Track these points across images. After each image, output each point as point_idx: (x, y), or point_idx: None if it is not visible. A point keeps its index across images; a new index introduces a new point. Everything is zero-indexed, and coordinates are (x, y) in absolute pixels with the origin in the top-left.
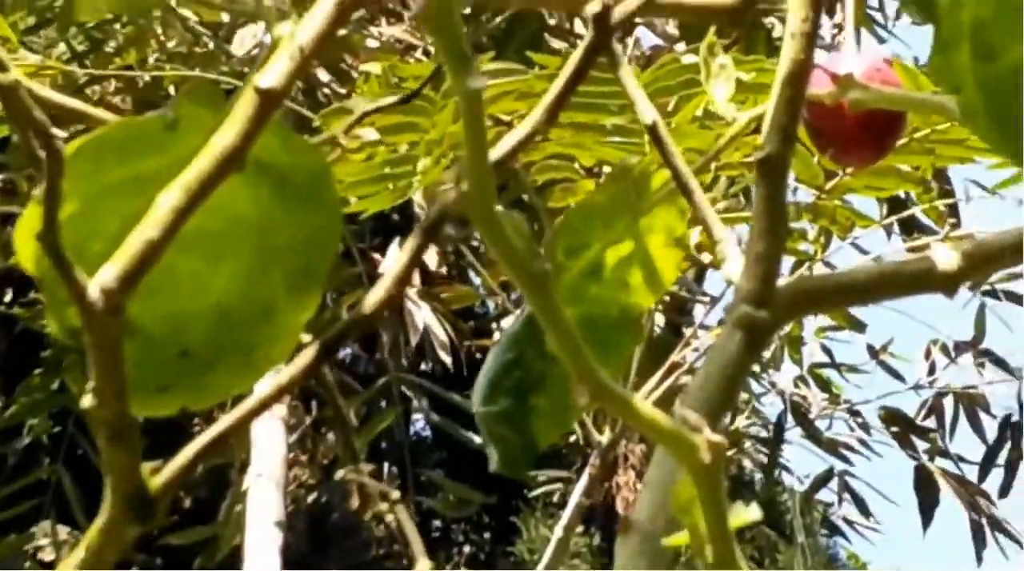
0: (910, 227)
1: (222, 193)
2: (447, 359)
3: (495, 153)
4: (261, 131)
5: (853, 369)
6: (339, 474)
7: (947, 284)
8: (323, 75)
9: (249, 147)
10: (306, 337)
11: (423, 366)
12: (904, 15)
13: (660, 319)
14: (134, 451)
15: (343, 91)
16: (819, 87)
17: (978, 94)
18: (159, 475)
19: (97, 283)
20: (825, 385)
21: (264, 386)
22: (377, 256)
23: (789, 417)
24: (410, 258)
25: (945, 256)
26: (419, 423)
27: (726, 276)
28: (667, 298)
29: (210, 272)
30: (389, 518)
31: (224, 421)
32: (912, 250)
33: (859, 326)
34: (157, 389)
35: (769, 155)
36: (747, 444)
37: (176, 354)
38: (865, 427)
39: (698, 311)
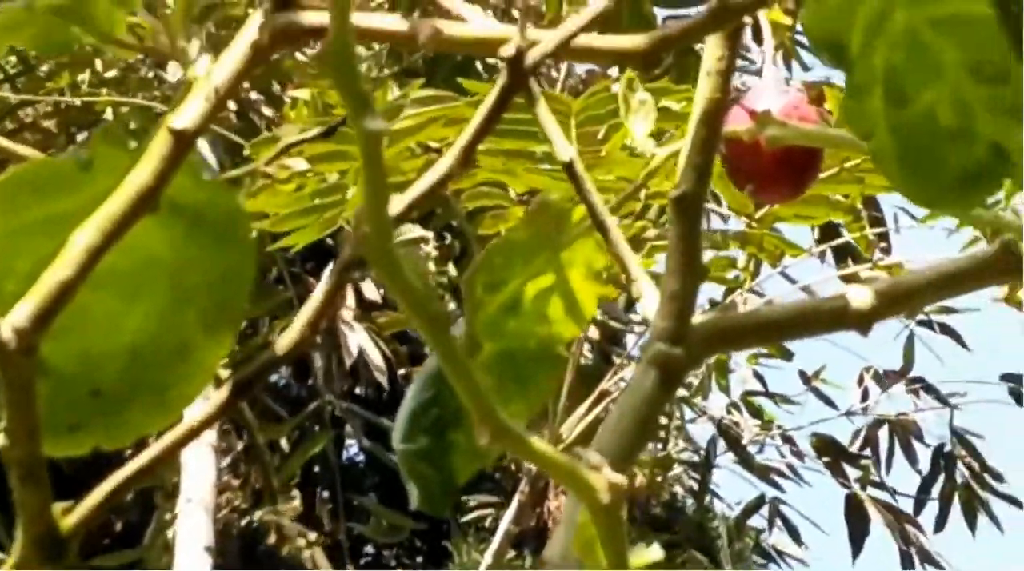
0: (843, 254)
1: (136, 232)
2: (383, 380)
3: (411, 193)
4: (175, 171)
5: (786, 400)
6: (258, 515)
7: (861, 322)
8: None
9: (163, 187)
10: (224, 372)
11: (357, 391)
12: None
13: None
14: (45, 491)
15: (275, 115)
16: (737, 124)
17: (890, 139)
18: (71, 515)
19: (9, 322)
20: (757, 412)
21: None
22: (311, 280)
23: (721, 443)
24: (323, 301)
25: (859, 295)
26: (353, 448)
27: (643, 313)
28: (598, 327)
29: (124, 311)
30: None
31: (131, 466)
32: (844, 278)
33: (787, 355)
34: (69, 428)
35: (684, 193)
36: (678, 470)
37: (89, 393)
38: (798, 454)
39: (630, 339)
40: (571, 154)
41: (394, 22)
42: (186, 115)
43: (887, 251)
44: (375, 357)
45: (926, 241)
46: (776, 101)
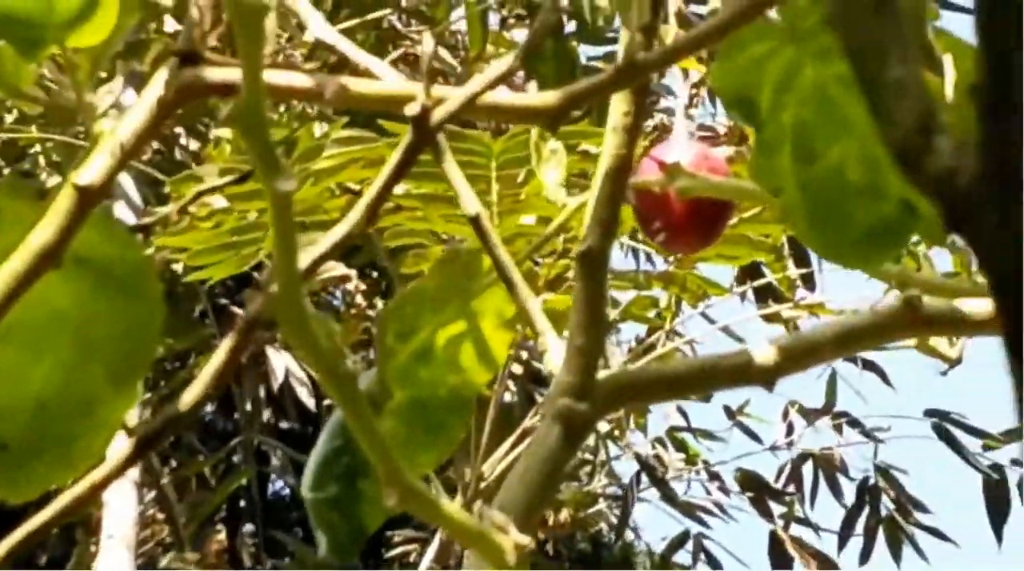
0: (765, 294)
1: (41, 287)
2: (311, 403)
3: (314, 251)
4: (79, 227)
5: (709, 435)
6: (164, 561)
7: (765, 378)
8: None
9: (66, 244)
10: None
11: (283, 425)
12: None
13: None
14: None
15: (199, 149)
16: (648, 175)
17: (799, 195)
18: None
19: None
20: (681, 446)
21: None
22: (238, 310)
23: (645, 478)
24: (226, 359)
25: (763, 351)
26: (280, 482)
27: (548, 368)
28: (522, 365)
29: (29, 365)
30: None
31: (51, 508)
32: (766, 318)
33: (707, 396)
34: None
35: (589, 249)
36: (604, 505)
37: None
38: (723, 489)
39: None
40: (477, 209)
41: (302, 79)
42: (91, 171)
43: (812, 290)
44: (302, 376)
45: (851, 280)
46: (686, 152)
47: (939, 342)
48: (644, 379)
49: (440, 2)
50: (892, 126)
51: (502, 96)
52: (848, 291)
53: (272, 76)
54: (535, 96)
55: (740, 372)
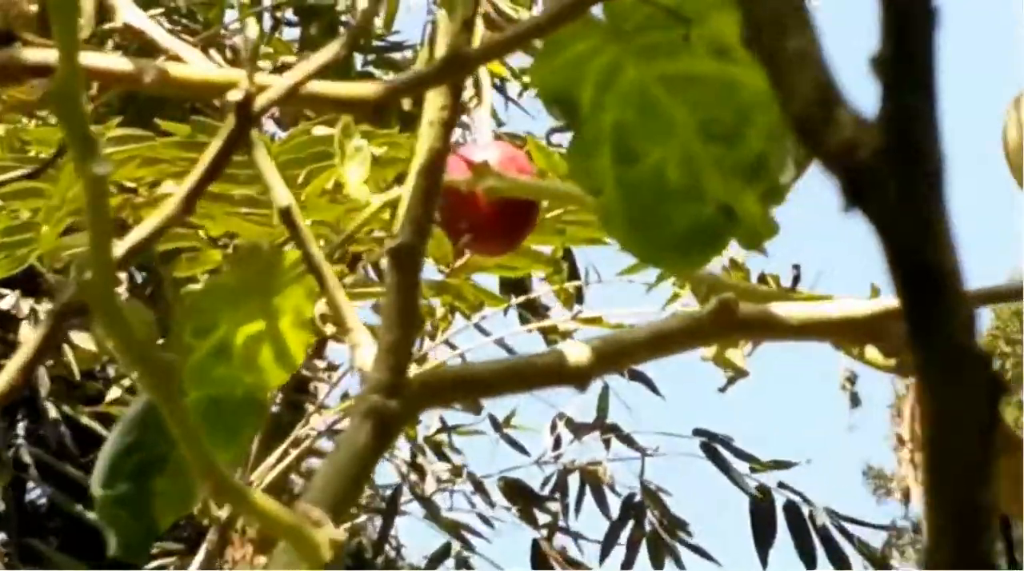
0: (531, 308)
1: None
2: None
3: (131, 238)
4: None
5: (476, 433)
6: None
7: (578, 378)
8: None
9: None
10: None
11: (42, 432)
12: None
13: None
14: None
15: None
16: (455, 174)
17: (617, 197)
18: None
19: None
20: (446, 456)
21: None
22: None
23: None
24: (38, 347)
25: (576, 351)
26: (37, 491)
27: (358, 364)
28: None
29: None
30: None
31: None
32: (542, 331)
33: (476, 408)
34: None
35: (402, 245)
36: (364, 518)
37: None
38: (488, 500)
39: (317, 386)
40: (288, 200)
41: (120, 63)
42: None
43: (580, 302)
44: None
45: (620, 295)
46: (494, 152)
47: (735, 354)
48: (456, 378)
49: (213, 5)
50: (792, 98)
51: (324, 86)
52: (613, 307)
53: (90, 59)
54: (356, 86)
55: (553, 372)
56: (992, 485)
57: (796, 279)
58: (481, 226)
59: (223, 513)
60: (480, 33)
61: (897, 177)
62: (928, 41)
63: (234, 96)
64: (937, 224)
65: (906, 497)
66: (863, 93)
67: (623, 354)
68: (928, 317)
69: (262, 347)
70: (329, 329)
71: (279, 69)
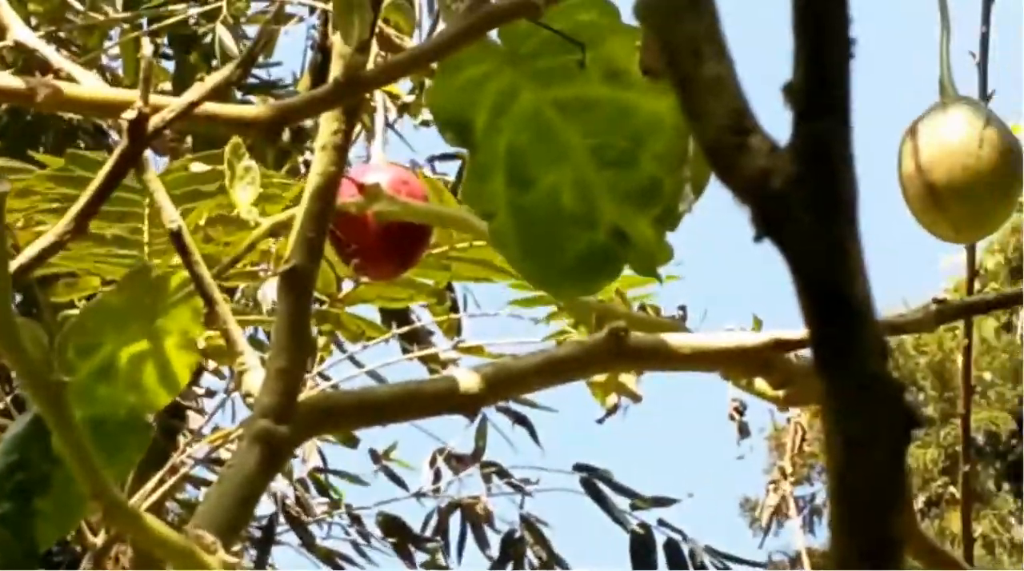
0: (413, 339)
1: None
2: None
3: (23, 257)
4: None
5: (356, 479)
6: None
7: (469, 405)
8: None
9: None
10: None
11: None
12: (407, 116)
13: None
14: None
15: None
16: (346, 197)
17: (511, 221)
18: None
19: None
20: (324, 489)
21: None
22: None
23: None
24: None
25: (467, 378)
26: None
27: (246, 389)
28: None
29: None
30: None
31: None
32: (423, 361)
33: (352, 441)
34: None
35: (295, 269)
36: (239, 546)
37: None
38: (365, 535)
39: (194, 412)
40: (178, 223)
41: (12, 81)
42: None
43: (459, 334)
44: None
45: (497, 326)
46: (385, 175)
47: (628, 379)
48: (347, 403)
49: (94, 31)
50: (705, 125)
51: (218, 106)
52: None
53: None
54: (249, 107)
55: (444, 399)
56: (902, 518)
57: (682, 320)
58: (371, 249)
59: (99, 539)
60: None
61: (809, 205)
62: (842, 69)
63: (129, 115)
64: (849, 252)
65: (768, 527)
66: (777, 120)
67: (514, 382)
68: (839, 347)
69: (146, 368)
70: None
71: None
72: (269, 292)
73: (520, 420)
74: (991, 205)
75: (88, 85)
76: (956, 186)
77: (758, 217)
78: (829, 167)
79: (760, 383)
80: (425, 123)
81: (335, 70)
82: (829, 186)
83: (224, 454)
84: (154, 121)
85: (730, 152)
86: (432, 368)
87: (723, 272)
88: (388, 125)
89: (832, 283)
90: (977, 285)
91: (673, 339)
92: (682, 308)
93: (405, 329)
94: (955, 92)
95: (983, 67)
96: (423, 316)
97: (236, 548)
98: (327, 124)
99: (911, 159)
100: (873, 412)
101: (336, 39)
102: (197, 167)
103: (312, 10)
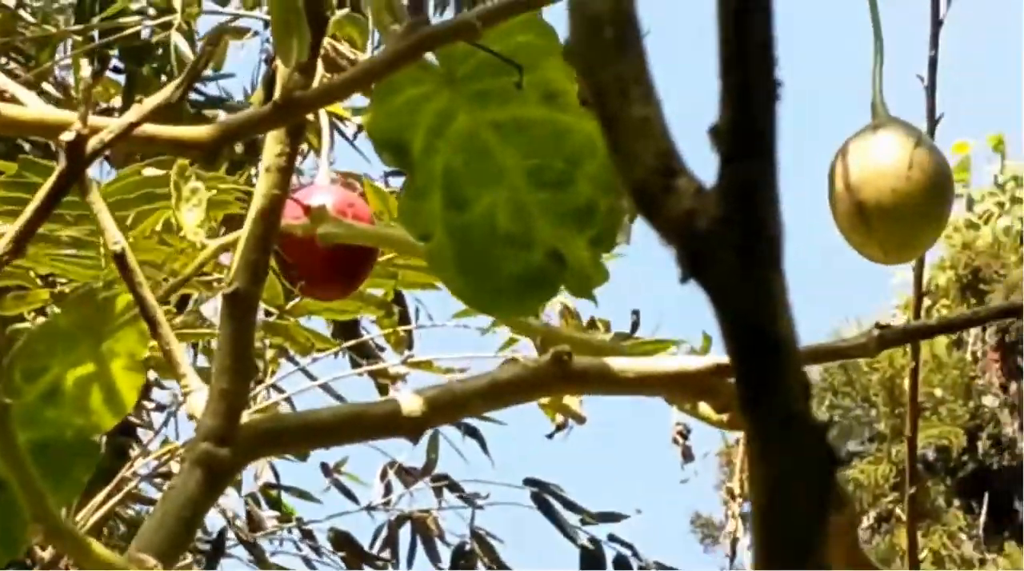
0: (362, 351)
1: None
2: None
3: None
4: None
5: (307, 496)
6: None
7: (413, 429)
8: None
9: None
10: None
11: None
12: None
13: None
14: None
15: None
16: (291, 218)
17: (447, 242)
18: None
19: None
20: (275, 503)
21: None
22: None
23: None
24: None
25: (410, 401)
26: None
27: (189, 410)
28: None
29: None
30: None
31: None
32: (372, 375)
33: (303, 454)
34: None
35: (238, 291)
36: (189, 559)
37: None
38: (316, 549)
39: (139, 429)
40: (122, 244)
41: None
42: None
43: (410, 347)
44: None
45: (449, 338)
46: (331, 197)
47: (572, 400)
48: (289, 426)
49: (45, 45)
50: (632, 166)
51: (158, 128)
52: (446, 351)
53: None
54: (189, 129)
55: (388, 422)
56: (824, 552)
57: (635, 325)
58: (317, 271)
59: (47, 553)
60: (320, 74)
61: (735, 247)
62: (768, 111)
63: (67, 137)
64: (774, 293)
65: (733, 550)
66: (703, 161)
67: (458, 405)
68: (764, 387)
69: (93, 390)
70: (152, 373)
71: (107, 111)
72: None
73: (471, 432)
74: (919, 227)
75: (30, 107)
76: (885, 207)
77: (684, 257)
78: (754, 209)
79: (704, 407)
80: None
81: (275, 92)
82: (754, 228)
83: (175, 468)
84: (93, 142)
85: (656, 194)
86: (381, 383)
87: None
88: (349, 140)
89: (756, 323)
90: (927, 302)
91: (617, 363)
92: (635, 313)
93: (354, 342)
94: (887, 113)
95: (931, 90)
96: (374, 328)
97: (186, 561)
98: (271, 145)
99: (841, 179)
100: (796, 451)
101: (278, 61)
102: (150, 172)
103: (267, 24)
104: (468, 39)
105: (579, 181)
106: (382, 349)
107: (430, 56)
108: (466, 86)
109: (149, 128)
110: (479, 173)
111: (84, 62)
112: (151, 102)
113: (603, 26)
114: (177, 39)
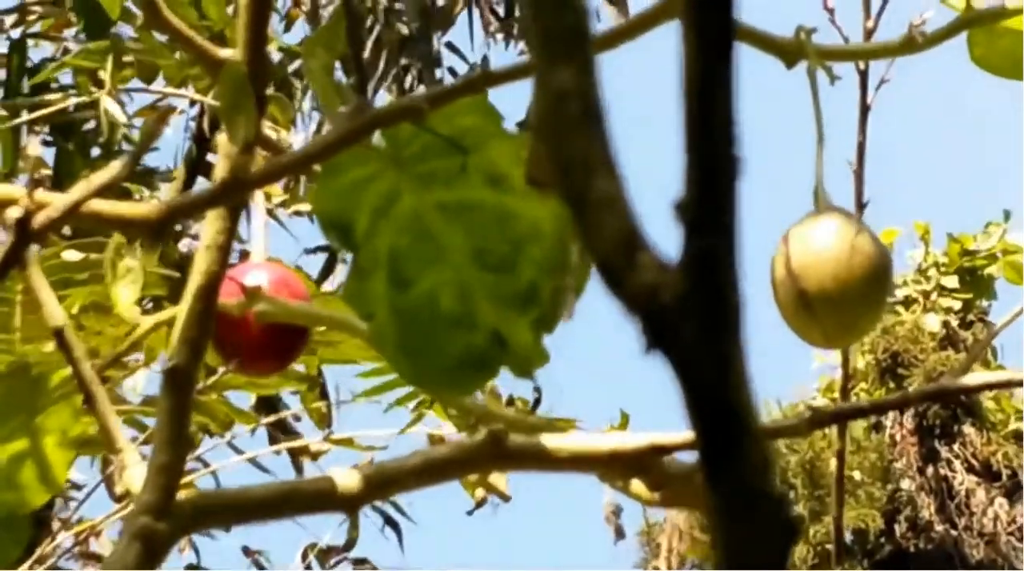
0: (279, 428)
1: None
2: None
3: None
4: None
5: None
6: None
7: (347, 505)
8: None
9: None
10: None
11: None
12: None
13: None
14: None
15: None
16: (227, 296)
17: (391, 322)
18: None
19: None
20: None
21: None
22: None
23: None
24: None
25: (345, 478)
26: None
27: (126, 486)
28: None
29: None
30: None
31: None
32: (290, 452)
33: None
34: None
35: (176, 367)
36: None
37: None
38: None
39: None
40: (62, 321)
41: None
42: None
43: (329, 424)
44: None
45: (371, 416)
46: (267, 275)
47: (498, 479)
48: (224, 501)
49: None
50: (596, 241)
51: (104, 204)
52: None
53: None
54: (136, 206)
55: (322, 498)
56: None
57: (536, 402)
58: (251, 349)
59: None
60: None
61: (697, 320)
62: (730, 187)
63: (15, 213)
64: (735, 367)
65: None
66: (666, 235)
67: (393, 482)
68: (725, 460)
69: (25, 466)
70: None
71: (37, 182)
72: (139, 382)
73: (390, 523)
74: (861, 313)
75: None
76: (827, 294)
77: (646, 332)
78: (716, 283)
79: (637, 485)
80: (297, 213)
81: (220, 170)
82: (716, 302)
83: (94, 546)
84: (39, 219)
85: (620, 268)
86: (298, 463)
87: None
88: (270, 213)
89: (719, 397)
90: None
91: (552, 442)
92: (537, 389)
93: (274, 418)
94: (828, 201)
95: (859, 175)
96: (292, 402)
97: None
98: (211, 223)
99: (783, 266)
100: (757, 524)
101: (221, 138)
102: (69, 255)
103: (193, 102)
104: (413, 121)
105: (523, 264)
106: (299, 419)
107: (376, 137)
108: (412, 167)
109: (95, 204)
110: (423, 254)
111: (36, 140)
112: (99, 178)
113: (568, 101)
114: (109, 104)
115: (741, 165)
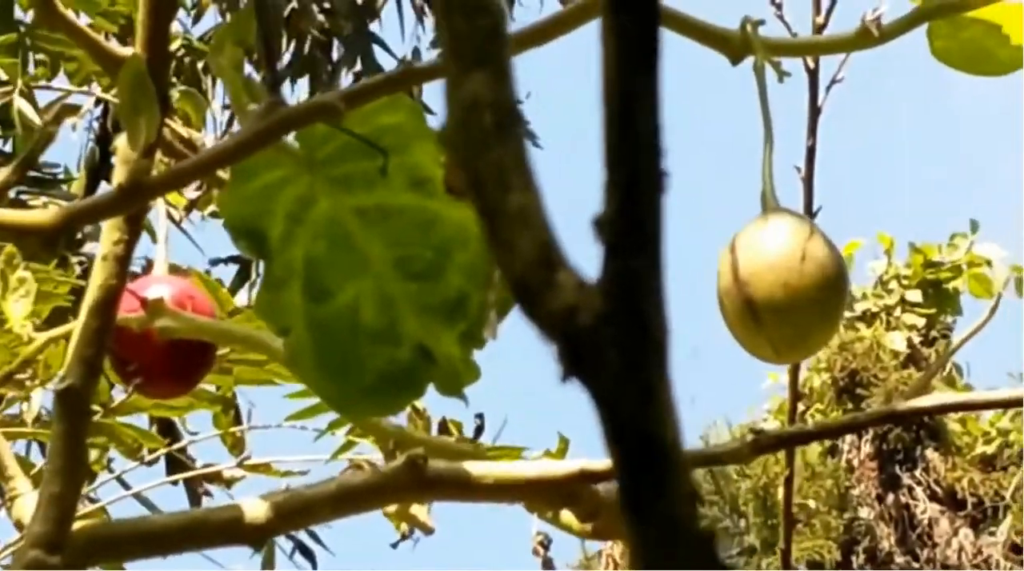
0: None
1: None
2: None
3: None
4: None
5: None
6: None
7: (256, 537)
8: None
9: None
10: None
11: None
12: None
13: None
14: None
15: None
16: (126, 311)
17: (307, 336)
18: None
19: None
20: None
21: None
22: None
23: None
24: None
25: (254, 507)
26: None
27: (16, 516)
28: None
29: None
30: None
31: None
32: (187, 482)
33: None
34: None
35: (71, 388)
36: None
37: None
38: None
39: None
40: None
41: None
42: None
43: (242, 449)
44: None
45: (289, 441)
46: (170, 288)
47: (419, 510)
48: (122, 533)
49: None
50: (511, 258)
51: None
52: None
53: None
54: (31, 214)
55: (229, 529)
56: None
57: (479, 429)
58: (154, 367)
59: None
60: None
61: (618, 344)
62: (654, 203)
63: None
64: (659, 395)
65: None
66: (585, 254)
67: (305, 512)
68: (648, 493)
69: None
70: None
71: None
72: (35, 402)
73: (304, 551)
74: (813, 324)
75: None
76: (776, 304)
77: (564, 356)
78: (639, 305)
79: (567, 515)
80: (214, 214)
81: (119, 175)
82: (639, 325)
83: None
84: None
85: (536, 287)
86: (196, 494)
87: (525, 381)
88: (176, 223)
89: (641, 427)
90: (801, 406)
91: (475, 468)
92: (479, 416)
93: (184, 443)
94: (777, 204)
95: (808, 181)
96: (192, 425)
97: None
98: (108, 233)
99: (729, 273)
100: (680, 560)
101: (120, 143)
102: None
103: (98, 101)
104: (329, 121)
105: (449, 272)
106: (192, 459)
107: (289, 138)
108: (327, 170)
109: None
110: (342, 263)
111: None
112: None
113: (482, 111)
114: (22, 104)
115: (666, 179)
